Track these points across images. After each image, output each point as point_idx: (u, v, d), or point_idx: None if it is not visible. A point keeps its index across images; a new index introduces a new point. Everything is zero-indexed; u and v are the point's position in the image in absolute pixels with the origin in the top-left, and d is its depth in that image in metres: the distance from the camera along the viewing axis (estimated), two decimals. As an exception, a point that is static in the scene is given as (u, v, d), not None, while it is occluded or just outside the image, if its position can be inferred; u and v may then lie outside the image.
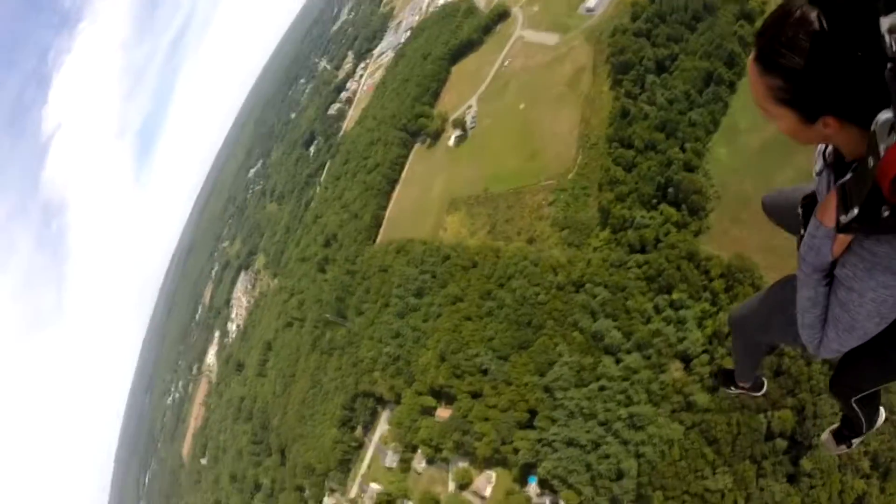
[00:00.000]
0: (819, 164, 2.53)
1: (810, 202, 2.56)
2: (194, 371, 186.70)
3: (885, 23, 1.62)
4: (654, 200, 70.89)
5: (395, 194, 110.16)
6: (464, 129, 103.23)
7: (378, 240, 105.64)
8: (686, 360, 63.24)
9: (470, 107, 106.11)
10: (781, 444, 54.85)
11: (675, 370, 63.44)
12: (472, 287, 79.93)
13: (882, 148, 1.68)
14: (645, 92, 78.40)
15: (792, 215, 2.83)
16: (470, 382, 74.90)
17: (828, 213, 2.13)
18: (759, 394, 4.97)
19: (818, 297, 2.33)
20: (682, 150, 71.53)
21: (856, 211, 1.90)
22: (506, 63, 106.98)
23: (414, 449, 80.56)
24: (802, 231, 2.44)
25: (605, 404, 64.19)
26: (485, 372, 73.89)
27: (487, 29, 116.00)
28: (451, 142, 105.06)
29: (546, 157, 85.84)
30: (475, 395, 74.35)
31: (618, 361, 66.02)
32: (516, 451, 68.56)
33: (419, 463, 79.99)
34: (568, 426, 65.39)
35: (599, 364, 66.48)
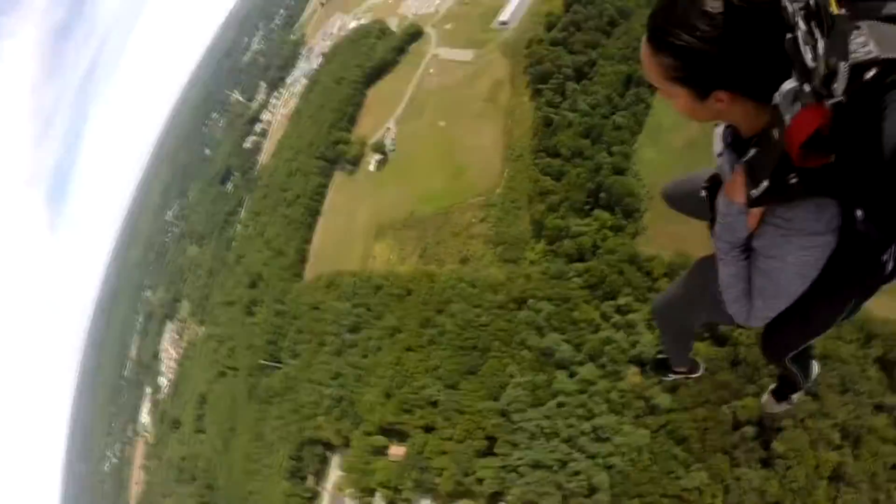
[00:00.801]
0: (719, 146, 2.48)
1: (714, 184, 2.56)
2: (129, 432, 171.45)
3: None
4: (587, 207, 69.03)
5: (318, 226, 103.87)
6: (384, 153, 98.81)
7: (306, 276, 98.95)
8: (641, 363, 61.17)
9: (388, 129, 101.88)
10: (750, 430, 53.20)
11: (633, 375, 61.36)
12: (410, 316, 75.16)
13: (787, 117, 1.70)
14: (566, 99, 76.85)
15: (695, 200, 2.81)
16: (421, 416, 70.15)
17: (737, 190, 2.14)
18: (697, 374, 4.86)
19: (740, 271, 2.35)
20: (610, 153, 70.06)
21: (765, 184, 1.92)
22: (430, 72, 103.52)
23: (372, 493, 74.83)
24: (710, 214, 2.47)
25: (567, 420, 61.29)
26: (434, 404, 69.34)
27: (401, 49, 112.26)
28: (372, 166, 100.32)
29: (471, 173, 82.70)
30: (428, 429, 69.71)
31: (572, 375, 63.36)
32: (480, 481, 64.34)
33: (379, 507, 74.47)
34: (531, 448, 61.89)
35: (554, 380, 63.56)
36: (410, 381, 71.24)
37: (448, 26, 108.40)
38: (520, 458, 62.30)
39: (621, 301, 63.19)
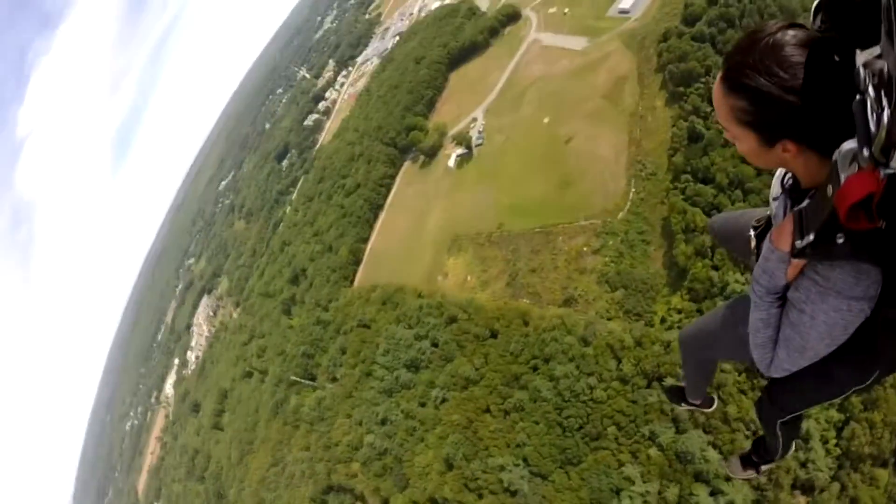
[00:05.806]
0: (776, 190, 2.33)
1: (763, 227, 2.45)
2: (153, 399, 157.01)
3: (862, 57, 1.61)
4: (753, 260, 46.03)
5: (379, 223, 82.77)
6: (468, 147, 76.79)
7: (356, 281, 77.74)
8: (809, 490, 39.92)
9: (475, 120, 79.96)
10: None
11: (800, 509, 39.14)
12: (492, 367, 53.11)
13: (843, 176, 1.63)
14: (720, 111, 53.79)
15: (740, 239, 2.72)
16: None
17: (783, 238, 2.02)
18: (710, 410, 4.50)
19: (771, 318, 2.18)
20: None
21: (811, 237, 1.84)
22: (529, 59, 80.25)
23: (407, 574, 53.97)
24: (753, 255, 2.36)
25: (703, 566, 39.06)
26: (513, 493, 47.48)
27: (494, 31, 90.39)
28: (452, 161, 78.49)
29: (584, 186, 60.28)
30: (498, 524, 48.09)
31: (715, 493, 41.04)
32: None
33: None
34: None
35: (690, 498, 41.16)
36: (483, 455, 49.55)
37: (552, 10, 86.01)
38: None
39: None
